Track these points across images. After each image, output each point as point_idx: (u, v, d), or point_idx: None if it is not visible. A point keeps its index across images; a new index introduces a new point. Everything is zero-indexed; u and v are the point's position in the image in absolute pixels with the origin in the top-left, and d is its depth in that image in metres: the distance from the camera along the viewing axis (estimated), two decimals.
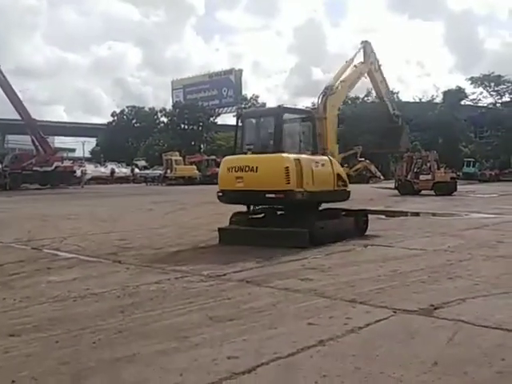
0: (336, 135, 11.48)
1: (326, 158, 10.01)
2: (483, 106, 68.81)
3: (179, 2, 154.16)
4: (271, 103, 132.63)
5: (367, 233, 10.50)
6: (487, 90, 66.72)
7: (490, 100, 68.18)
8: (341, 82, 12.30)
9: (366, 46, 13.61)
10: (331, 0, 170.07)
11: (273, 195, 8.86)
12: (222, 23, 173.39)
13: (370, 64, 13.57)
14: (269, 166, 9.10)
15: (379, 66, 13.98)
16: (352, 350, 3.84)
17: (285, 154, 9.10)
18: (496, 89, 66.27)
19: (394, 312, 4.78)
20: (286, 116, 9.90)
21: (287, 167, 8.87)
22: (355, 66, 13.11)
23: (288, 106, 11.18)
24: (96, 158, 72.48)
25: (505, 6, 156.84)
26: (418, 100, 74.06)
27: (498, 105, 67.89)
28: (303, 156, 9.40)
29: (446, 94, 67.17)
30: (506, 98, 67.18)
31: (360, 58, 13.56)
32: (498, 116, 62.93)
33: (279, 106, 10.00)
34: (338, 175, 10.00)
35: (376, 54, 13.88)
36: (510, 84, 65.68)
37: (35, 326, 4.50)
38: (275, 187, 8.86)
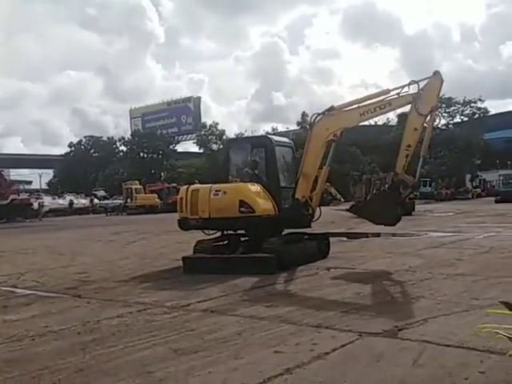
0: (318, 159, 9.66)
1: (232, 185, 9.87)
2: (437, 128, 70.90)
3: (142, 29, 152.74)
4: (233, 130, 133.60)
5: (330, 255, 10.58)
6: (440, 112, 68.88)
7: (443, 121, 70.48)
8: (354, 107, 9.64)
9: (433, 79, 9.25)
10: (290, 26, 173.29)
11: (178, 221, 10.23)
12: (183, 50, 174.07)
13: (415, 101, 9.18)
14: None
15: (430, 111, 9.22)
16: (319, 376, 3.82)
17: (186, 186, 10.35)
18: (448, 110, 68.62)
19: (360, 335, 4.80)
20: (235, 147, 11.07)
21: (181, 198, 10.06)
22: (398, 94, 9.37)
23: (244, 136, 11.86)
24: (53, 189, 70.97)
25: (457, 31, 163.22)
26: (373, 124, 75.89)
27: (450, 126, 70.18)
28: (204, 186, 10.22)
29: (400, 116, 68.98)
30: (458, 119, 69.69)
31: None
32: (451, 136, 65.00)
33: (229, 139, 10.44)
34: (241, 201, 9.41)
35: (437, 95, 9.61)
36: (459, 106, 68.22)
37: None
38: (179, 215, 10.16)
